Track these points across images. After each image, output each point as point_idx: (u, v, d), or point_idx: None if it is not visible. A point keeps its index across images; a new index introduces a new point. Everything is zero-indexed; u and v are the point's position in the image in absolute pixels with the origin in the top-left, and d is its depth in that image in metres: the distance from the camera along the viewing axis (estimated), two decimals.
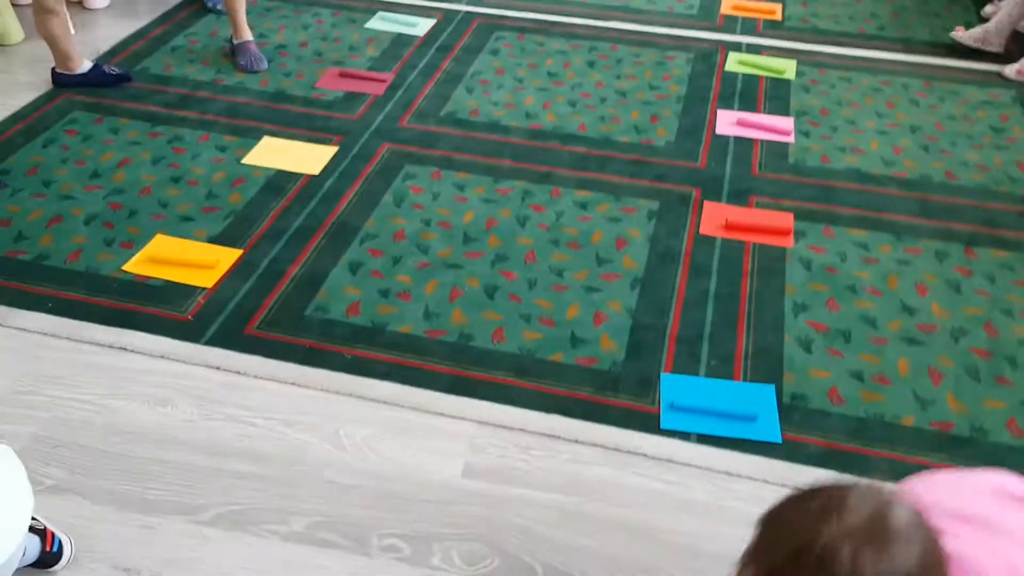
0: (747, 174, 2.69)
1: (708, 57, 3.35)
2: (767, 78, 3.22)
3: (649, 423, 1.88)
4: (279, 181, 2.59)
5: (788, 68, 3.27)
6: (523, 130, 2.89)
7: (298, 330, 2.08)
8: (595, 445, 1.83)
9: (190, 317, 2.10)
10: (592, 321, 2.14)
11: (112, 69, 3.02)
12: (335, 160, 2.69)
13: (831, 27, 3.61)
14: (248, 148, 2.74)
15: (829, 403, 1.93)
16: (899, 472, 1.77)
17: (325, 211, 2.48)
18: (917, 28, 3.61)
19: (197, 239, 2.36)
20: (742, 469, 1.79)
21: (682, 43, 3.46)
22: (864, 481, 0.90)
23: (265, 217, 2.45)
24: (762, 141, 2.85)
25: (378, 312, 2.14)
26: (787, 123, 2.94)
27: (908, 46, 3.48)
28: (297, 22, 3.53)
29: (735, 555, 0.98)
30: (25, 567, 1.52)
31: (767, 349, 2.07)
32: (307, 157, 2.71)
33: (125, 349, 2.02)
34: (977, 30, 3.44)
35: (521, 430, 1.86)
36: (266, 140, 2.78)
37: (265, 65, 3.17)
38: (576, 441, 1.84)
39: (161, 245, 2.33)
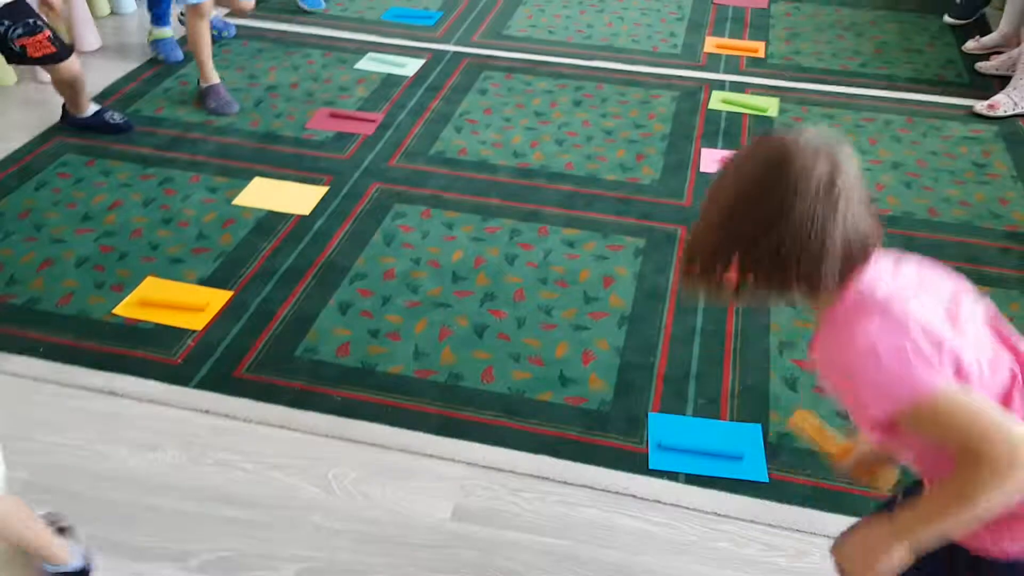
0: None
1: (692, 95, 3.40)
2: (751, 116, 3.27)
3: (638, 463, 1.89)
4: (269, 222, 2.62)
5: (771, 106, 3.33)
6: (511, 169, 2.92)
7: (288, 372, 2.10)
8: (584, 486, 1.84)
9: (180, 360, 2.11)
10: (580, 360, 2.16)
11: (114, 117, 3.04)
12: (325, 200, 2.72)
13: (814, 64, 3.67)
14: (239, 189, 2.76)
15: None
16: None
17: (315, 251, 2.50)
18: (899, 65, 3.68)
19: (187, 281, 2.38)
20: (730, 509, 1.80)
21: (666, 82, 3.51)
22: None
23: (255, 258, 2.47)
24: None
25: (368, 352, 2.16)
26: None
27: (890, 83, 3.53)
28: (288, 63, 3.57)
29: None
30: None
31: (753, 387, 2.09)
32: (297, 197, 2.73)
33: (115, 393, 2.03)
34: (999, 59, 3.59)
35: (511, 472, 1.87)
36: (256, 181, 2.81)
37: (236, 108, 3.18)
38: (565, 483, 1.85)
39: (151, 287, 2.34)
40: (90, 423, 1.95)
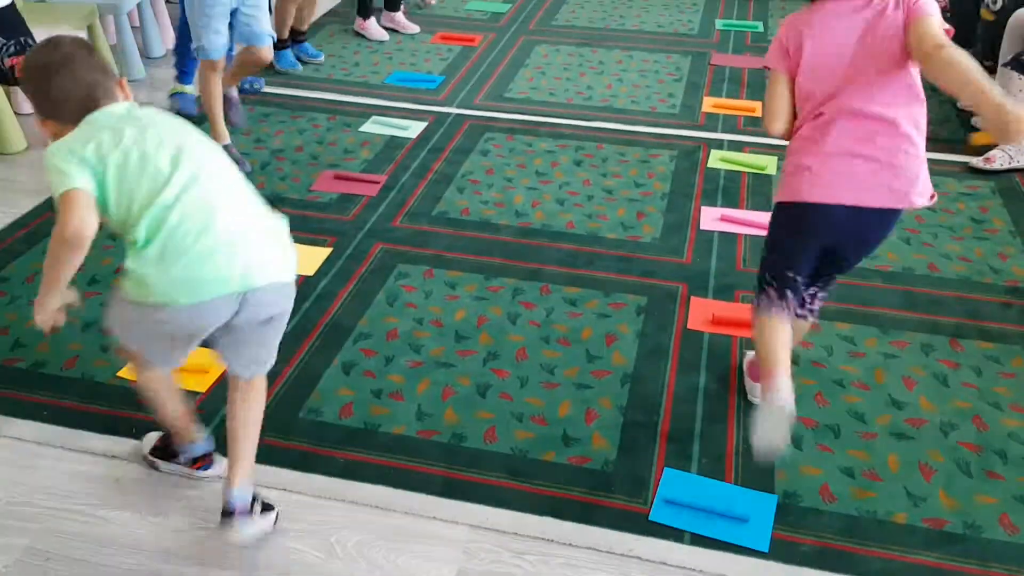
0: (732, 269, 2.75)
1: (691, 154, 3.45)
2: (749, 174, 3.31)
3: (642, 524, 1.88)
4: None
5: (769, 164, 3.37)
6: (513, 228, 2.96)
7: (291, 433, 2.09)
8: (589, 548, 1.83)
9: None
10: (583, 419, 2.16)
11: None
12: (329, 261, 2.75)
13: None
14: None
15: (821, 501, 1.94)
16: (893, 572, 1.77)
17: (319, 312, 2.52)
18: None
19: None
20: (736, 571, 1.78)
21: (665, 141, 3.57)
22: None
23: None
24: (746, 236, 2.92)
25: (371, 413, 2.16)
26: (769, 218, 3.00)
27: None
28: (294, 127, 3.64)
29: None
30: None
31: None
32: (301, 259, 2.72)
33: (118, 458, 2.02)
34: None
35: (515, 534, 1.86)
36: None
37: (247, 168, 3.23)
38: (570, 544, 1.84)
39: None
40: (93, 488, 1.95)
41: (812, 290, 2.04)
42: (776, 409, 1.80)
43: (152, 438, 2.01)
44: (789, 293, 1.91)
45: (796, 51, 1.82)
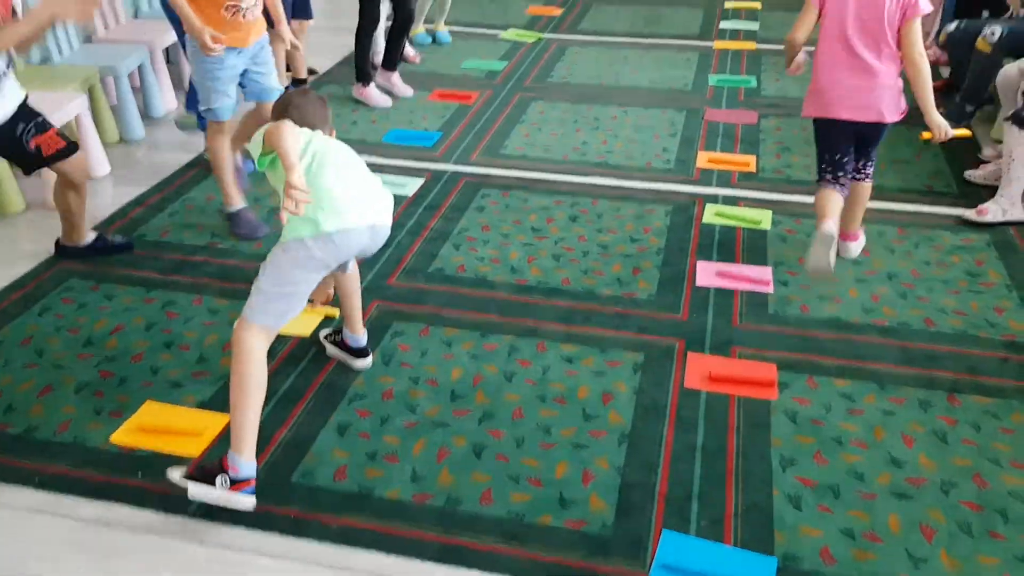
0: (728, 325, 2.75)
1: (686, 210, 3.47)
2: (744, 228, 3.33)
3: None
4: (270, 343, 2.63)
5: (764, 218, 3.39)
6: (509, 285, 2.96)
7: (284, 498, 2.07)
8: None
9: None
10: (580, 480, 2.14)
11: (115, 239, 3.11)
12: (325, 320, 2.75)
13: (805, 177, 3.75)
14: (240, 311, 2.78)
15: (822, 564, 1.91)
16: None
17: (314, 372, 2.51)
18: (888, 176, 3.76)
19: (187, 405, 2.38)
20: None
21: (660, 197, 3.59)
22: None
23: None
24: (742, 292, 2.92)
25: (365, 476, 2.14)
26: (766, 273, 3.02)
27: (880, 193, 3.60)
28: None
29: None
30: None
31: (757, 506, 2.06)
32: (298, 319, 2.74)
33: (109, 524, 2.00)
34: (987, 168, 3.70)
35: None
36: None
37: (265, 231, 3.26)
38: None
39: (150, 413, 2.34)
40: (83, 555, 1.92)
41: (861, 162, 2.97)
42: (823, 236, 2.72)
43: (178, 470, 2.03)
44: (840, 173, 2.88)
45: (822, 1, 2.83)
